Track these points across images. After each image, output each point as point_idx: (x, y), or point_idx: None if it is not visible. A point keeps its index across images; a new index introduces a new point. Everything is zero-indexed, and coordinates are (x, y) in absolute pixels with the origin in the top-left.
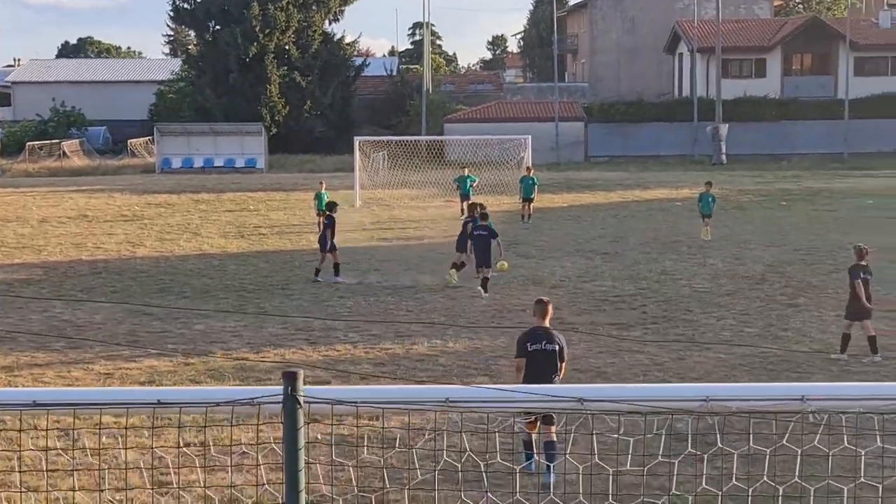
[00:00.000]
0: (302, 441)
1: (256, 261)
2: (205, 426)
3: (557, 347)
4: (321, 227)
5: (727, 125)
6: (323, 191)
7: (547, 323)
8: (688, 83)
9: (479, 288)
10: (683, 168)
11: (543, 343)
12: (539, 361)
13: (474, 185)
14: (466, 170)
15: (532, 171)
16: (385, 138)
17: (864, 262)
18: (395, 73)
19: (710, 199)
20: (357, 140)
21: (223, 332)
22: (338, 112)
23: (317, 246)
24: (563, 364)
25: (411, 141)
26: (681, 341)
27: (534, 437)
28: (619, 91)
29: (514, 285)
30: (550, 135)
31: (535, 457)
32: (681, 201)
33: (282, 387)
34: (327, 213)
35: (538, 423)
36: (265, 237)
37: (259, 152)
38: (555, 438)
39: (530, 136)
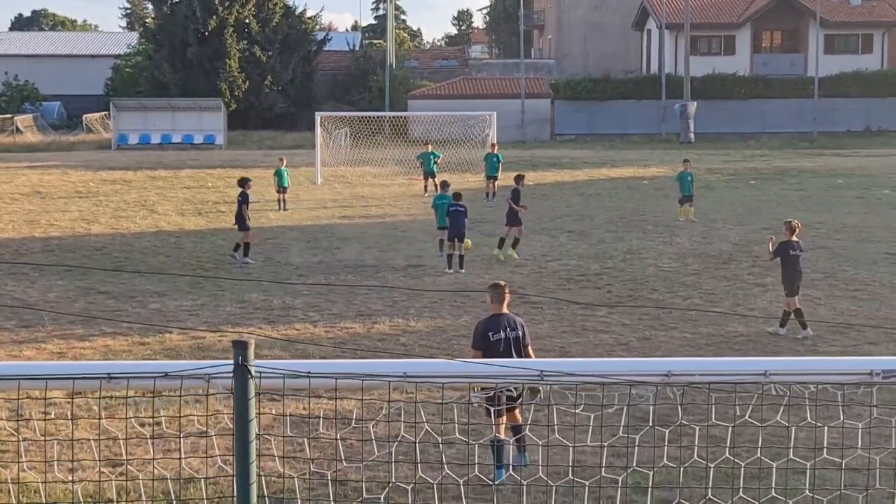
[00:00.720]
0: (252, 412)
1: (215, 238)
2: (153, 397)
3: (520, 333)
4: (239, 206)
5: (695, 103)
6: (283, 167)
7: (505, 308)
8: (656, 60)
9: (451, 268)
10: (651, 147)
11: (506, 331)
12: (502, 351)
13: (438, 161)
14: (430, 146)
15: (496, 148)
16: (347, 114)
17: (795, 238)
18: (357, 48)
19: (689, 179)
20: (318, 116)
21: (179, 311)
22: (299, 87)
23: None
24: (529, 348)
25: (374, 117)
26: (646, 320)
27: (506, 446)
28: (586, 68)
29: (476, 264)
30: (516, 112)
31: (509, 470)
32: (647, 180)
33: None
34: (240, 189)
35: (504, 415)
36: (224, 214)
37: (218, 128)
38: (520, 420)
39: (495, 113)
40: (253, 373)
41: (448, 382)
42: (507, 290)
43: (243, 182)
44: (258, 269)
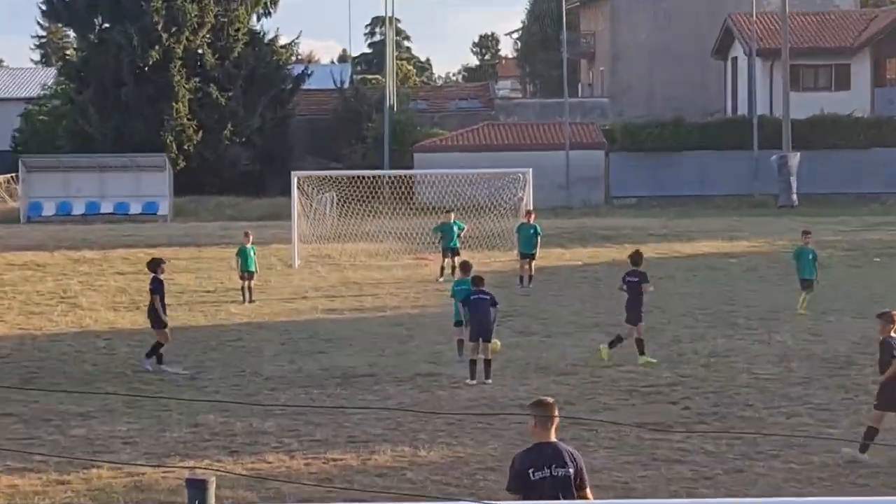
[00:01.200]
0: None
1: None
2: None
3: (572, 471)
4: (152, 296)
5: (798, 154)
6: (249, 245)
7: (553, 436)
8: (744, 98)
9: (474, 377)
10: (739, 213)
11: (552, 467)
12: (547, 493)
13: (462, 234)
14: (452, 215)
15: (533, 218)
16: (333, 173)
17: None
18: (347, 85)
19: (810, 257)
20: (295, 176)
21: (111, 437)
22: (269, 138)
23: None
24: (586, 490)
25: (369, 177)
26: (737, 447)
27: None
28: (650, 109)
29: (509, 372)
30: (559, 168)
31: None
32: (736, 258)
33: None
34: (151, 274)
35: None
36: (170, 308)
37: (161, 194)
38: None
39: (531, 170)
40: None
41: None
42: (556, 412)
43: (155, 265)
44: (216, 382)
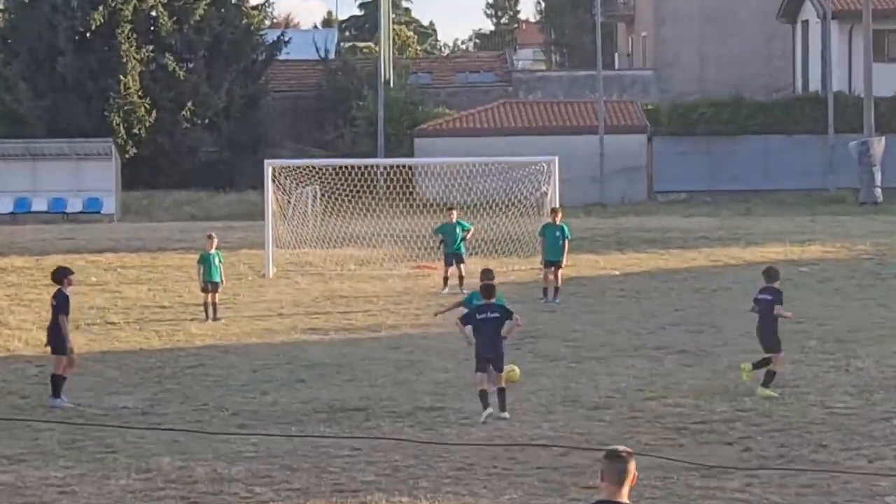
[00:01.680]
0: None
1: (101, 367)
2: None
3: None
4: (55, 314)
5: (883, 139)
6: (212, 251)
7: (626, 495)
8: (817, 71)
9: (485, 410)
10: (812, 210)
11: None
12: None
13: (467, 236)
14: (455, 213)
15: (560, 217)
16: (317, 162)
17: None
18: (333, 55)
19: None
20: (269, 166)
21: (45, 486)
22: (238, 120)
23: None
24: None
25: (360, 168)
26: (807, 495)
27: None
28: (703, 84)
29: (530, 405)
30: (591, 157)
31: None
32: (807, 266)
33: None
34: (57, 287)
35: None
36: (116, 329)
37: (106, 188)
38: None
39: (556, 159)
40: None
41: None
42: (633, 465)
43: (61, 275)
44: (172, 417)
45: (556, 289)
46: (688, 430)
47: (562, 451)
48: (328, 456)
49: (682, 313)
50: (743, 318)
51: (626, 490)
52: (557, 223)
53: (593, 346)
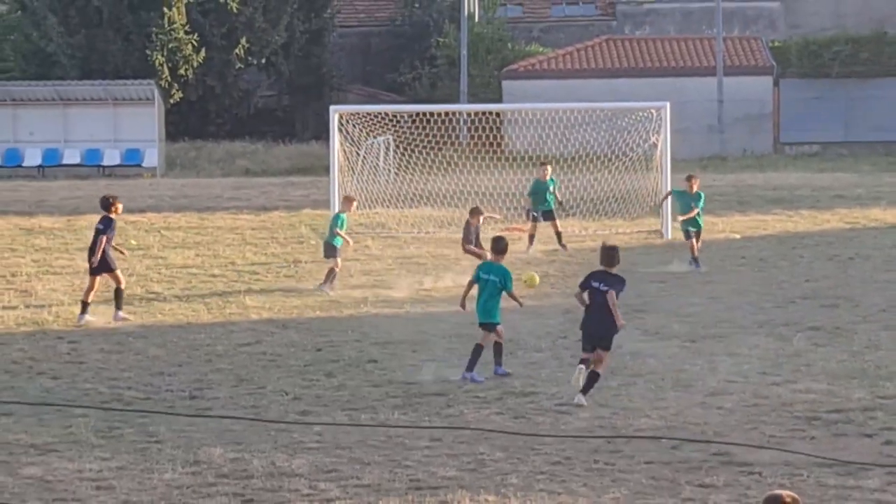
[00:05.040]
0: None
1: (143, 344)
2: None
3: None
4: (98, 239)
5: None
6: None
7: None
8: None
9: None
10: None
11: None
12: None
13: (556, 193)
14: (548, 168)
15: (697, 185)
16: (389, 108)
17: None
18: None
19: None
20: (335, 112)
21: (78, 479)
22: (300, 60)
23: None
24: None
25: (440, 116)
26: None
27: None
28: (839, 18)
29: (637, 390)
30: (709, 103)
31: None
32: None
33: None
34: (103, 212)
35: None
36: (159, 300)
37: (148, 138)
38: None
39: (667, 105)
40: None
41: None
42: None
43: (107, 202)
44: (224, 402)
45: (695, 258)
46: (820, 421)
47: (673, 444)
48: (403, 447)
49: (813, 284)
50: (884, 289)
51: None
52: (693, 192)
53: (710, 322)
